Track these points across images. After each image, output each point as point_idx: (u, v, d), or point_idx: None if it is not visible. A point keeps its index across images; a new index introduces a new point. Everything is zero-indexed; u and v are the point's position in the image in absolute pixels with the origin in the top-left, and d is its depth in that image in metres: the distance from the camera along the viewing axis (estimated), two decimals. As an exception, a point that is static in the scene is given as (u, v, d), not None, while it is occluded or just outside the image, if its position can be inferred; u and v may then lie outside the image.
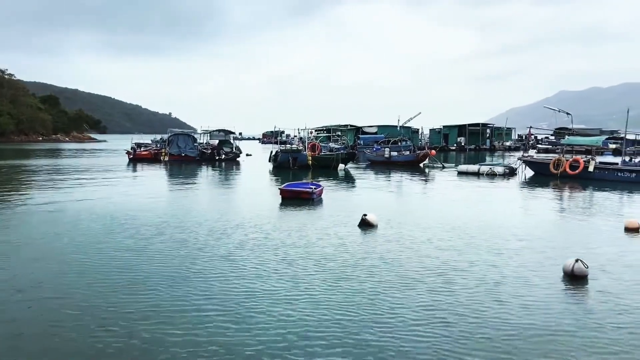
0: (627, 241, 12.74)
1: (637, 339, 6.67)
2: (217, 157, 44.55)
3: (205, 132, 52.83)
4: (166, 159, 43.57)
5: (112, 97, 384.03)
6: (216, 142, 49.74)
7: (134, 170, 36.17)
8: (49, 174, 31.30)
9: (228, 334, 6.76)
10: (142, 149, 49.39)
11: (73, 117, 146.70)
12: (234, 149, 48.01)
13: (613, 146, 54.10)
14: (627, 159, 30.07)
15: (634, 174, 26.90)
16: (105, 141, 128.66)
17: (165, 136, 51.32)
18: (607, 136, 58.83)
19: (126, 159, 45.41)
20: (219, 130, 52.17)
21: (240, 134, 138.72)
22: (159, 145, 52.83)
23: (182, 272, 9.52)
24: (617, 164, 29.21)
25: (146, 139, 72.93)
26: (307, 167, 35.03)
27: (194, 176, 31.49)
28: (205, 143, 49.86)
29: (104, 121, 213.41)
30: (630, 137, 44.15)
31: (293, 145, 42.74)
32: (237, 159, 46.08)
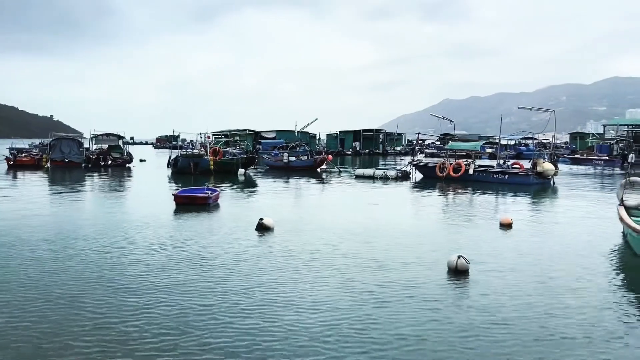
0: (501, 236, 14.16)
1: (511, 325, 7.47)
2: (102, 163, 42.12)
3: (93, 137, 49.71)
4: (47, 165, 40.52)
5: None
6: (107, 147, 47.18)
7: (14, 178, 33.05)
8: None
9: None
10: (23, 155, 45.62)
11: None
12: (124, 154, 45.72)
13: (489, 150, 59.04)
14: (501, 162, 33.22)
15: (506, 176, 29.87)
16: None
17: (47, 140, 47.57)
18: (485, 141, 64.11)
19: (5, 165, 41.40)
20: (107, 135, 49.20)
21: (131, 138, 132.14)
22: (38, 151, 49.06)
23: (59, 302, 8.83)
24: (492, 166, 32.24)
25: (24, 143, 66.97)
26: (208, 172, 34.44)
27: (80, 184, 29.46)
28: (96, 148, 46.89)
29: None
30: (503, 142, 48.84)
31: (194, 150, 41.59)
32: (128, 165, 43.88)
